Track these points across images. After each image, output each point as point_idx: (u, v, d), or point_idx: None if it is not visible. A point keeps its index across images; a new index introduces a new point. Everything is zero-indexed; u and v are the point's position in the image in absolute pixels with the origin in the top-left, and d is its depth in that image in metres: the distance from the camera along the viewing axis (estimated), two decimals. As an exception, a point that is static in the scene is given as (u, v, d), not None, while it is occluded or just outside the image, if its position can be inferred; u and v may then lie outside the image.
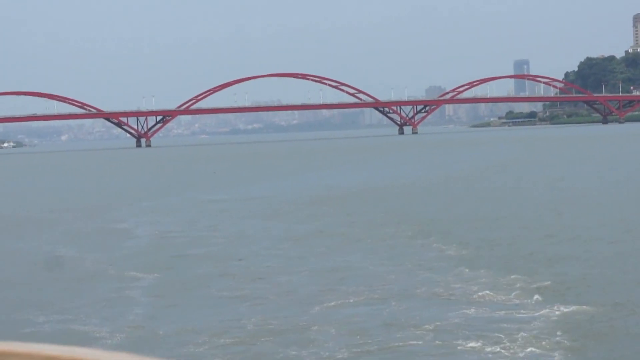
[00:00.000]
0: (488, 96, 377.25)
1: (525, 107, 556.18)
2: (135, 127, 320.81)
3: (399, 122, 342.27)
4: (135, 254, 42.82)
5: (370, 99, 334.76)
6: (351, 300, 29.30)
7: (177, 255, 42.01)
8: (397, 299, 28.95)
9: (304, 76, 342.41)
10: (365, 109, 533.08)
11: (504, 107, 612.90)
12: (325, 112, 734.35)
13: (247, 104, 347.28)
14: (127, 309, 29.52)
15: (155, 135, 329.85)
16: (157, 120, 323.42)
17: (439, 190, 75.54)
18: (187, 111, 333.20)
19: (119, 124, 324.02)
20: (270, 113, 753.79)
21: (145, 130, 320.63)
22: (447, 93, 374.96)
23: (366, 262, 37.24)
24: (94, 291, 32.86)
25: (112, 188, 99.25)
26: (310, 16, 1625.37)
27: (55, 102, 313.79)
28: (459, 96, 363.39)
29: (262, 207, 65.49)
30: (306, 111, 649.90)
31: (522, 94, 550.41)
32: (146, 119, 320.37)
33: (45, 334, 25.71)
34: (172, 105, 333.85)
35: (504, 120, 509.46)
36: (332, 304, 28.92)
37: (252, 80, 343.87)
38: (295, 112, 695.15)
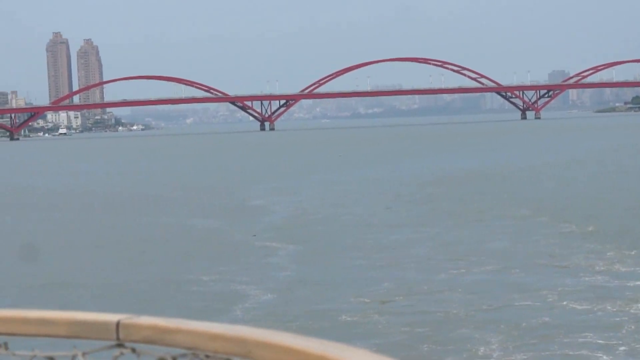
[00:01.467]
0: (614, 80, 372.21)
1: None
2: (259, 110, 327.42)
3: (521, 107, 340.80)
4: (274, 228, 47.11)
5: (492, 84, 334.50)
6: (475, 270, 32.78)
7: (311, 228, 46.10)
8: (519, 269, 32.30)
9: (425, 60, 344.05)
10: (486, 93, 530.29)
11: (630, 92, 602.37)
12: (446, 96, 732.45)
13: (368, 89, 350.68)
14: (275, 272, 33.68)
15: (278, 118, 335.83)
16: (281, 104, 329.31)
17: (560, 173, 78.00)
18: (310, 95, 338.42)
19: (244, 108, 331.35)
20: (391, 97, 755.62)
21: (269, 113, 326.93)
22: (571, 77, 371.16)
23: (488, 237, 40.62)
24: (245, 258, 37.18)
25: (240, 169, 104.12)
26: (430, 1, 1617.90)
27: (183, 86, 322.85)
28: (583, 81, 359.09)
29: (385, 188, 69.13)
30: (427, 95, 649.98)
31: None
32: (270, 102, 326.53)
33: (210, 292, 30.03)
34: (295, 90, 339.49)
35: (630, 105, 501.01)
36: (457, 272, 32.45)
37: (374, 65, 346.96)
38: (416, 96, 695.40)
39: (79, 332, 3.57)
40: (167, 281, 32.41)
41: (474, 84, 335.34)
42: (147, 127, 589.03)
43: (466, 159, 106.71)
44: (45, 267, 36.65)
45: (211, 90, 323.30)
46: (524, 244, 38.05)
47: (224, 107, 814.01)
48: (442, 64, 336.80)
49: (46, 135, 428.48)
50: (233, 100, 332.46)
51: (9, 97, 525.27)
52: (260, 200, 63.08)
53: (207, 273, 33.56)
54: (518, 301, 27.45)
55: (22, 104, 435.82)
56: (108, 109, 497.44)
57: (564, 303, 26.86)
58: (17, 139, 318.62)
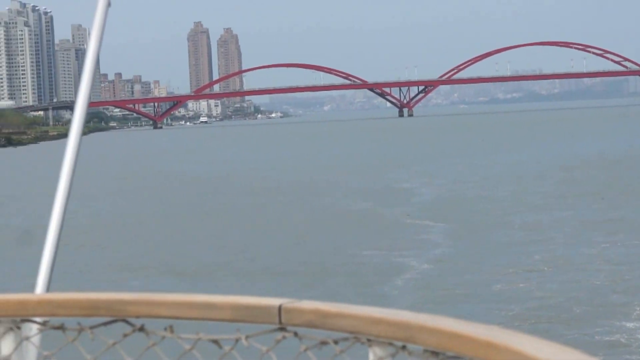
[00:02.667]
0: None
1: None
2: (398, 97, 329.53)
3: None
4: (424, 208, 49.68)
5: (636, 67, 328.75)
6: (619, 244, 34.59)
7: (459, 208, 48.45)
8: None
9: (566, 44, 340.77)
10: (629, 76, 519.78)
11: None
12: (586, 80, 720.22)
13: (508, 74, 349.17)
14: (430, 247, 36.22)
15: (416, 105, 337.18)
16: (419, 90, 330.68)
17: None
18: (449, 81, 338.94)
19: (382, 94, 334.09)
20: (530, 82, 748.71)
21: (408, 100, 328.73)
22: None
23: (632, 214, 42.23)
24: (401, 234, 39.85)
25: (383, 154, 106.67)
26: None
27: (322, 73, 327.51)
28: None
29: (528, 170, 70.67)
30: (567, 80, 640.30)
31: None
32: (408, 89, 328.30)
33: (372, 264, 32.78)
34: (433, 76, 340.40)
35: None
36: (601, 247, 34.28)
37: (513, 50, 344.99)
38: (556, 80, 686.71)
39: (242, 316, 3.72)
40: (334, 255, 35.30)
41: (618, 68, 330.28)
42: (285, 114, 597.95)
43: (607, 142, 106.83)
44: (207, 252, 38.58)
45: (350, 77, 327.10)
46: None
47: (361, 94, 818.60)
48: (584, 48, 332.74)
49: (187, 123, 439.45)
50: (372, 87, 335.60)
51: (152, 86, 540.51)
52: (407, 183, 65.58)
53: (367, 248, 36.36)
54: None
55: (164, 93, 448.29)
56: (247, 97, 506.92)
57: None
58: (161, 127, 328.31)
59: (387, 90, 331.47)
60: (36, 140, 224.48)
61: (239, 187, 69.15)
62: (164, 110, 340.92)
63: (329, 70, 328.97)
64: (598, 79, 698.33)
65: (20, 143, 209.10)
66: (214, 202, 59.18)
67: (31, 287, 5.49)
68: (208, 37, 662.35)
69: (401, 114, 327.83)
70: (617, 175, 62.97)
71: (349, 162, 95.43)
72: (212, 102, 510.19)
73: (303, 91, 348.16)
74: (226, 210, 54.20)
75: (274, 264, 34.27)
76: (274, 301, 3.64)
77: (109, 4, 6.28)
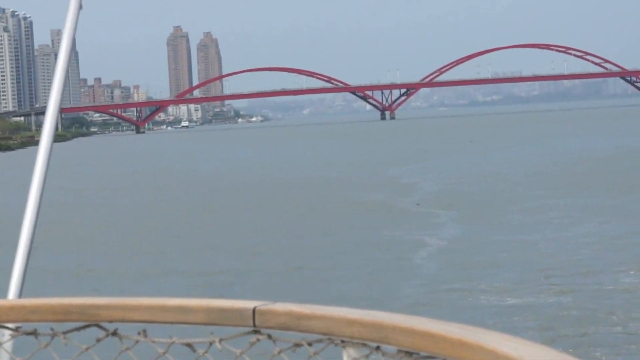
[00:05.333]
0: None
1: None
2: (380, 99, 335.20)
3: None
4: (430, 198, 55.39)
5: (617, 69, 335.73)
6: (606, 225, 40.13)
7: (462, 199, 53.91)
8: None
9: (547, 46, 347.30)
10: (609, 78, 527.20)
11: None
12: (566, 82, 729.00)
13: (488, 76, 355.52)
14: (441, 229, 41.76)
15: (398, 108, 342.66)
16: (401, 93, 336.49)
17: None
18: (431, 84, 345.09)
19: (364, 97, 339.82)
20: (510, 84, 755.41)
21: (390, 102, 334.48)
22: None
23: (624, 205, 47.87)
24: (414, 220, 45.37)
25: (375, 154, 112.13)
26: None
27: (304, 77, 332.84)
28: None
29: (519, 168, 76.18)
30: (547, 82, 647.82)
31: None
32: (391, 91, 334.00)
33: (395, 241, 38.28)
34: (415, 78, 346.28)
35: None
36: (621, 242, 39.56)
37: (494, 53, 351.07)
38: (536, 83, 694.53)
39: (216, 319, 3.72)
40: (359, 236, 40.83)
41: (598, 70, 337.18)
42: (265, 118, 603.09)
43: (591, 142, 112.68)
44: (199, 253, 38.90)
45: (331, 81, 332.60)
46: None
47: (341, 97, 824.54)
48: (565, 50, 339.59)
49: (169, 128, 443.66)
50: (354, 90, 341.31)
51: (132, 91, 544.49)
52: (408, 179, 71.11)
53: (388, 230, 41.89)
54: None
55: (143, 97, 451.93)
56: (227, 101, 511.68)
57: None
58: (143, 132, 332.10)
59: (369, 93, 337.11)
60: (23, 145, 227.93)
61: (250, 184, 74.42)
62: (146, 115, 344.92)
63: (310, 74, 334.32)
64: (578, 81, 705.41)
65: (9, 148, 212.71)
66: (220, 199, 64.10)
67: (3, 293, 5.75)
68: (188, 41, 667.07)
69: (383, 117, 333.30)
70: (599, 170, 68.72)
71: (346, 161, 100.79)
72: (192, 106, 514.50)
73: (284, 95, 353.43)
74: (231, 208, 57.64)
75: (334, 239, 39.21)
76: (248, 304, 3.69)
77: (80, 7, 6.61)
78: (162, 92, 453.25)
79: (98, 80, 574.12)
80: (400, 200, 55.07)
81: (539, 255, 33.87)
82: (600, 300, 25.87)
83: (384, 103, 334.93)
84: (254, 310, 3.62)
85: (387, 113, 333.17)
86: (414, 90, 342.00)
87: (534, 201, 50.98)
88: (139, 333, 3.81)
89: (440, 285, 29.34)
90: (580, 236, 37.54)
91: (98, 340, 3.85)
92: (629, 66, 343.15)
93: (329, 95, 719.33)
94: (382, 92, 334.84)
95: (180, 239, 43.33)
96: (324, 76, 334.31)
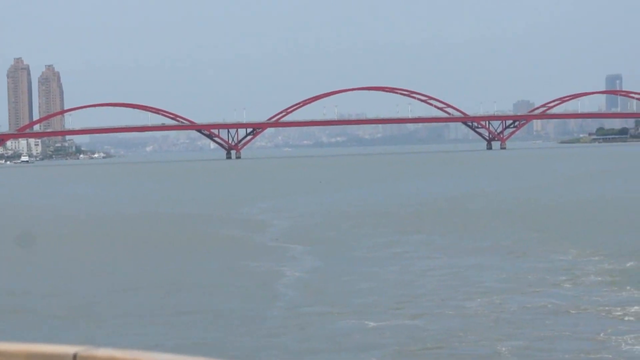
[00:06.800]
0: (578, 112, 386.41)
1: (616, 124, 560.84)
2: (226, 138, 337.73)
3: (486, 137, 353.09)
4: (284, 234, 58.37)
5: (458, 113, 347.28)
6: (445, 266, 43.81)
7: (315, 235, 57.12)
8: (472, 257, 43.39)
9: (392, 90, 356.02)
10: (450, 123, 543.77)
11: (594, 123, 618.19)
12: (410, 126, 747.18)
13: (335, 117, 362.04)
14: (297, 262, 44.80)
15: (244, 147, 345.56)
16: (247, 132, 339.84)
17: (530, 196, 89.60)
18: (278, 124, 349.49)
19: (211, 136, 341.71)
20: (354, 126, 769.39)
21: (236, 142, 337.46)
22: (537, 108, 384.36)
23: (453, 244, 51.84)
24: (272, 253, 48.19)
25: (227, 191, 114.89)
26: (399, 31, 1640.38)
27: (149, 113, 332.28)
28: (549, 111, 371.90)
29: (365, 207, 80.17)
30: (390, 125, 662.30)
31: (613, 110, 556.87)
32: (237, 130, 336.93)
33: (255, 272, 40.98)
34: (261, 118, 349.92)
35: (594, 137, 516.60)
36: (459, 273, 43.40)
37: (340, 94, 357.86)
38: (380, 125, 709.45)
39: None
40: (217, 268, 43.39)
41: (441, 114, 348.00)
42: (107, 154, 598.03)
43: (436, 185, 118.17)
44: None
45: (177, 118, 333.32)
46: (473, 236, 49.26)
47: (184, 135, 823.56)
48: (410, 94, 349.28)
49: (8, 162, 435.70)
50: (200, 128, 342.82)
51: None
52: (262, 216, 74.09)
53: (254, 261, 44.72)
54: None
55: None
56: (68, 137, 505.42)
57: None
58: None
59: (214, 131, 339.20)
60: None
61: (93, 218, 76.02)
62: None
63: (156, 111, 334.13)
64: (421, 125, 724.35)
65: None
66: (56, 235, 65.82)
67: None
68: (29, 74, 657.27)
69: (229, 156, 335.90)
70: (439, 211, 73.16)
71: (196, 198, 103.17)
72: (32, 140, 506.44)
73: (128, 131, 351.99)
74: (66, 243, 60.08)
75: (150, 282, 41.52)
76: (69, 349, 3.55)
77: None
78: (1, 125, 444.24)
79: None
80: (256, 236, 57.90)
81: (389, 284, 37.13)
82: (443, 323, 29.12)
83: (230, 142, 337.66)
84: (74, 356, 3.55)
85: (233, 152, 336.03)
86: (260, 130, 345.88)
87: (381, 237, 54.54)
88: None
89: (301, 309, 32.22)
90: (424, 269, 41.10)
91: None
92: (470, 112, 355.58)
93: (172, 133, 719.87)
94: (229, 131, 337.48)
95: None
96: (170, 113, 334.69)
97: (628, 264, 39.69)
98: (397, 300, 33.44)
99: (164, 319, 30.31)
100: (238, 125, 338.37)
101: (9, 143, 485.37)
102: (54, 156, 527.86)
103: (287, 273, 41.08)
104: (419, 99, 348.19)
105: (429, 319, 30.00)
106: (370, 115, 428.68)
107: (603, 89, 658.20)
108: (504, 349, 25.75)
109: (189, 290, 37.03)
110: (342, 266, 42.88)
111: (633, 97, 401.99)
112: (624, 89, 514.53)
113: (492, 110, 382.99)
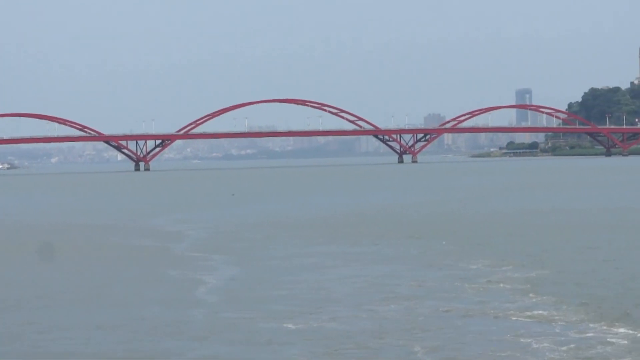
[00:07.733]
0: (489, 126, 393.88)
1: (526, 138, 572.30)
2: (135, 150, 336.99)
3: (398, 150, 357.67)
4: (200, 244, 59.95)
5: (370, 127, 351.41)
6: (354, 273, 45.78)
7: (229, 245, 58.69)
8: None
9: (303, 102, 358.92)
10: (361, 136, 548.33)
11: (504, 137, 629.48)
12: (320, 138, 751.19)
13: (246, 129, 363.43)
14: (216, 271, 46.36)
15: (152, 159, 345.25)
16: (156, 144, 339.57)
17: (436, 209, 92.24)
18: (187, 135, 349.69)
19: (119, 147, 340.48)
20: (264, 139, 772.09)
21: (144, 153, 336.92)
22: (448, 122, 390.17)
23: (364, 251, 53.85)
24: (193, 262, 49.63)
25: (137, 203, 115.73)
26: (309, 41, 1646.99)
27: (56, 124, 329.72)
28: (459, 125, 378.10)
29: (278, 219, 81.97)
30: (301, 138, 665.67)
31: (523, 124, 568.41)
32: (145, 142, 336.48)
33: (177, 280, 42.39)
34: (170, 129, 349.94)
35: (504, 151, 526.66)
36: (374, 280, 45.33)
37: (250, 106, 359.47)
38: (290, 138, 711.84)
39: None
40: (136, 277, 44.69)
41: (352, 127, 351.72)
42: (12, 166, 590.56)
43: (348, 197, 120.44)
44: None
45: (85, 129, 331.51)
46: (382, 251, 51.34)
47: (90, 147, 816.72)
48: (321, 106, 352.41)
49: None
50: (107, 140, 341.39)
51: None
52: (174, 227, 75.36)
53: (173, 269, 46.14)
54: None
55: None
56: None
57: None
58: None
59: (123, 143, 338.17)
60: None
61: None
62: None
63: (63, 122, 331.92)
64: (331, 138, 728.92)
65: None
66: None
67: None
68: None
69: (137, 168, 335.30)
70: (351, 222, 75.26)
71: (105, 210, 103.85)
72: None
73: (33, 142, 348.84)
74: None
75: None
76: None
77: None
78: None
79: None
80: (172, 246, 59.28)
81: (306, 291, 38.94)
82: (360, 325, 31.10)
83: (139, 154, 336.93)
84: None
85: (142, 164, 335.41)
86: (169, 142, 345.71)
87: (296, 248, 56.38)
88: None
89: (223, 314, 33.86)
90: (339, 277, 42.99)
91: None
92: (381, 125, 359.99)
93: (78, 144, 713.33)
94: (137, 142, 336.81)
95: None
96: (77, 124, 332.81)
97: (533, 273, 41.98)
98: (314, 305, 35.23)
99: (82, 332, 31.22)
100: (147, 137, 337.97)
101: None
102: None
103: (207, 281, 42.61)
104: (330, 112, 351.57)
105: (346, 321, 31.90)
106: (281, 127, 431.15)
107: (513, 102, 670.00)
108: (418, 347, 27.74)
109: (107, 298, 38.23)
110: (259, 274, 44.54)
111: (542, 112, 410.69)
112: (533, 104, 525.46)
113: (404, 123, 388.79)
